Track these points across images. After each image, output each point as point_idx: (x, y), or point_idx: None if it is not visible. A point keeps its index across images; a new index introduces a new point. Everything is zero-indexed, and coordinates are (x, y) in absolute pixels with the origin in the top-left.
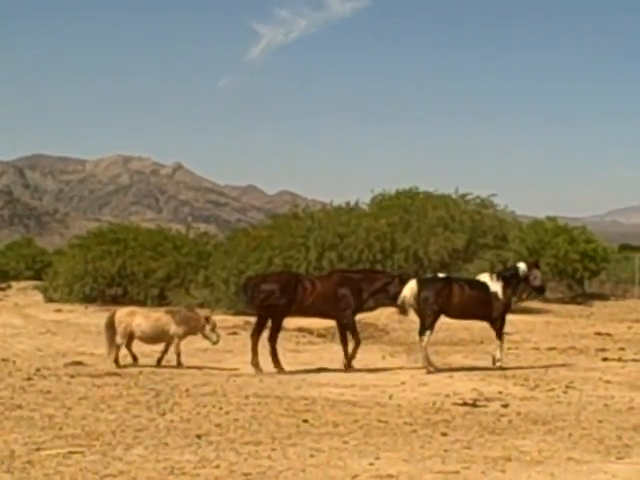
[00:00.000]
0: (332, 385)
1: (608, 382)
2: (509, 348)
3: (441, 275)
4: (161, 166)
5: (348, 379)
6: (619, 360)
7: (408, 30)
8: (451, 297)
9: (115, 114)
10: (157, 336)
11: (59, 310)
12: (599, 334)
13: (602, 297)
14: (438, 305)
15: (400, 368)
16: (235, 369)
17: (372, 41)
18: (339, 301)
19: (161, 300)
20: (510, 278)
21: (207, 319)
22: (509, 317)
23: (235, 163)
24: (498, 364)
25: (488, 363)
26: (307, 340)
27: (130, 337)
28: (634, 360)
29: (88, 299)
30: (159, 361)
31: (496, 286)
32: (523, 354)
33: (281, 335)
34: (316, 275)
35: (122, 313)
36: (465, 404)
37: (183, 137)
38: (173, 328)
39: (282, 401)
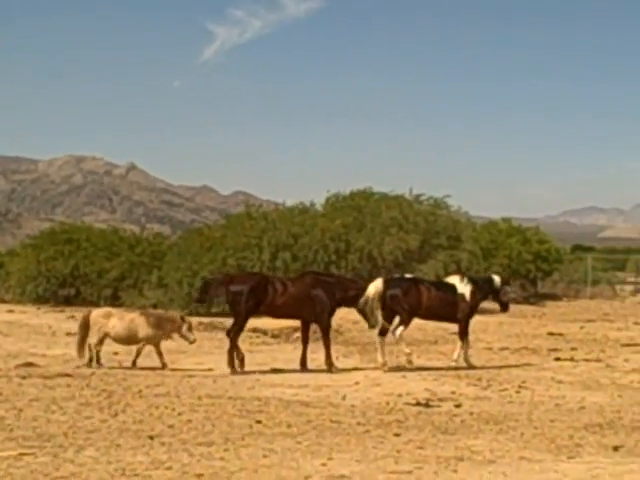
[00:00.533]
0: (286, 386)
1: (560, 382)
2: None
3: (408, 276)
4: (114, 166)
5: (302, 380)
6: (571, 360)
7: (363, 30)
8: (419, 297)
9: (68, 114)
10: (131, 338)
11: (11, 311)
12: (551, 334)
13: (555, 297)
14: (408, 303)
15: (354, 368)
16: (189, 370)
17: (327, 41)
18: (314, 303)
19: (114, 301)
20: (482, 284)
21: (183, 319)
22: None
23: (189, 163)
24: (453, 364)
25: (441, 363)
26: (261, 341)
27: (103, 338)
28: (586, 360)
29: (41, 300)
30: (134, 363)
31: (465, 288)
32: (476, 354)
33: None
34: (288, 277)
35: (98, 314)
36: (418, 404)
37: (137, 137)
38: (146, 330)
39: (235, 402)
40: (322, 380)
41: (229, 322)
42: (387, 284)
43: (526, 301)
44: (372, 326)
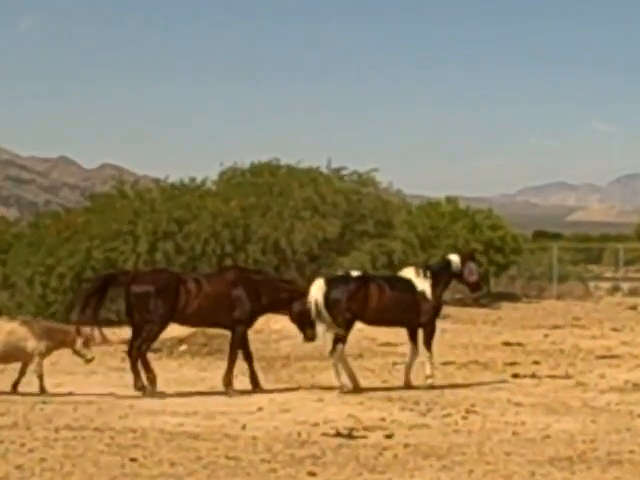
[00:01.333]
0: (168, 413)
1: (519, 404)
2: (395, 363)
3: (355, 273)
4: None
5: (189, 405)
6: (532, 377)
7: None
8: (367, 300)
9: None
10: (10, 353)
11: None
12: (508, 344)
13: (512, 298)
14: (351, 311)
15: (256, 390)
16: (44, 394)
17: None
18: (233, 305)
19: None
20: (440, 274)
21: (78, 331)
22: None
23: (43, 130)
24: (429, 381)
25: (367, 382)
26: None
27: None
28: (551, 377)
29: None
30: (15, 385)
31: (424, 284)
32: (413, 371)
33: (103, 350)
34: (203, 273)
35: None
36: (338, 435)
37: None
38: (32, 343)
39: (103, 434)
40: (215, 405)
41: (96, 332)
42: (330, 285)
43: (476, 303)
44: (310, 339)
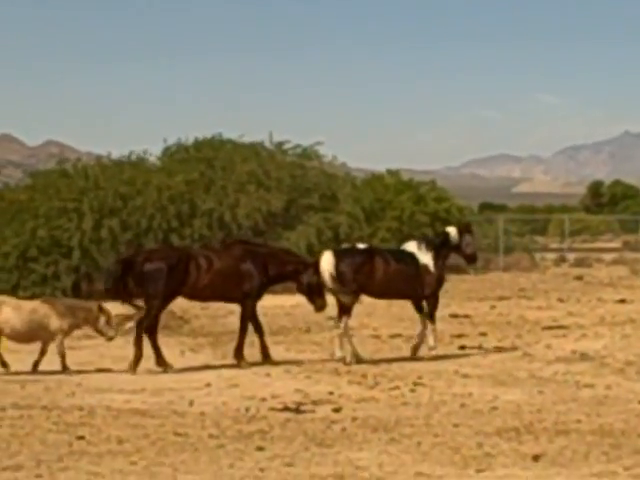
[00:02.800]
0: (115, 390)
1: (466, 376)
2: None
3: (361, 245)
4: None
5: (136, 382)
6: (479, 348)
7: None
8: (374, 272)
9: None
10: (33, 332)
11: None
12: (455, 316)
13: (458, 270)
14: (358, 283)
15: (204, 366)
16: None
17: None
18: (242, 280)
19: None
20: (441, 246)
21: (101, 309)
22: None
23: None
24: (433, 352)
25: (315, 356)
26: (83, 333)
27: None
28: (498, 348)
29: None
30: (35, 365)
31: (426, 257)
32: (360, 343)
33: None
34: (211, 247)
35: None
36: (286, 409)
37: None
38: (55, 322)
39: (50, 413)
40: (163, 382)
41: None
42: (337, 257)
43: None
44: (320, 309)
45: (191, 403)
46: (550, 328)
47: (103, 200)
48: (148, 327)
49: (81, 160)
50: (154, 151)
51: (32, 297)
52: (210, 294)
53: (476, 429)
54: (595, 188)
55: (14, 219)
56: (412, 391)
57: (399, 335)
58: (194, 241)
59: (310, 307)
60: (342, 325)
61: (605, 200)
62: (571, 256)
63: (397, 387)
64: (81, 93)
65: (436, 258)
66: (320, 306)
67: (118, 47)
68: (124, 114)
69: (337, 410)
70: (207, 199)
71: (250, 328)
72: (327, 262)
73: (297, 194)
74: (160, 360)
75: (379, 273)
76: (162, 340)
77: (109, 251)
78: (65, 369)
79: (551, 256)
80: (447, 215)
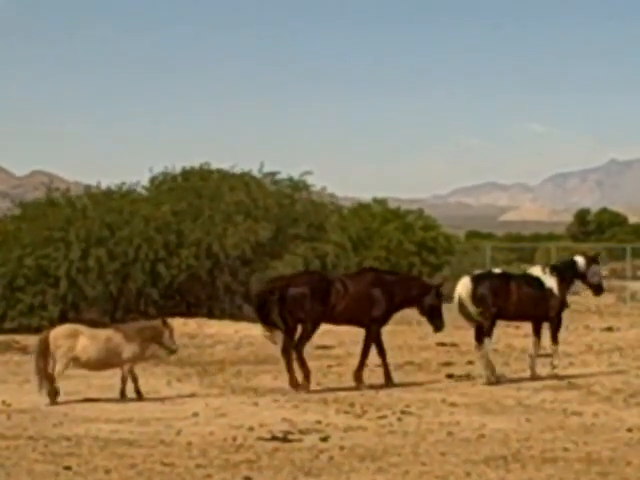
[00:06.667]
0: (102, 420)
1: (453, 405)
2: (329, 366)
3: (496, 270)
4: None
5: (123, 412)
6: (467, 377)
7: None
8: (509, 296)
9: None
10: (106, 360)
11: None
12: (442, 345)
13: (445, 298)
14: (497, 306)
15: (191, 395)
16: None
17: None
18: (372, 304)
19: None
20: (565, 272)
21: (165, 323)
22: (328, 327)
23: None
24: (555, 371)
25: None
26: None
27: (67, 364)
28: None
29: None
30: (123, 392)
31: (551, 281)
32: (347, 372)
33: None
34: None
35: (60, 334)
36: (274, 438)
37: None
38: (127, 349)
39: (37, 443)
40: (150, 412)
41: (29, 340)
42: (476, 282)
43: None
44: (439, 330)
45: (178, 433)
46: (537, 356)
47: (90, 230)
48: (288, 348)
49: (69, 190)
50: (141, 179)
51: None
52: (344, 318)
53: (463, 458)
54: (582, 216)
55: (1, 249)
56: (399, 420)
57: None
58: (181, 271)
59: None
60: (484, 347)
61: (592, 228)
62: None
63: (384, 416)
64: (68, 123)
65: (560, 282)
66: (439, 327)
67: (105, 74)
68: (112, 143)
69: (325, 439)
70: (195, 229)
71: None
72: (465, 287)
73: (285, 224)
74: (292, 379)
75: (514, 297)
76: (149, 369)
77: (96, 281)
78: (123, 396)
79: None
80: (434, 244)
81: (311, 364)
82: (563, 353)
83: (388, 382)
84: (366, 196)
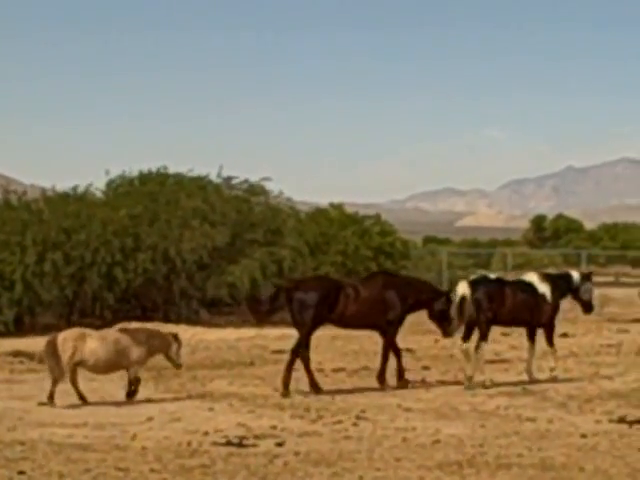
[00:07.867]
0: (57, 425)
1: (408, 410)
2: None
3: (492, 276)
4: None
5: (78, 416)
6: (422, 382)
7: None
8: (504, 300)
9: None
10: (114, 362)
11: None
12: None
13: None
14: (492, 311)
15: (146, 400)
16: None
17: None
18: (386, 308)
19: None
20: (559, 281)
21: (175, 337)
22: (285, 331)
23: None
24: (554, 374)
25: (258, 391)
26: (26, 367)
27: (76, 368)
28: (441, 382)
29: None
30: (130, 393)
31: (544, 287)
32: (303, 377)
33: None
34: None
35: (68, 336)
36: (229, 443)
37: None
38: (135, 352)
39: None
40: (105, 416)
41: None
42: (472, 287)
43: None
44: (448, 335)
45: (133, 437)
46: (493, 362)
47: (46, 233)
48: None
49: (26, 194)
50: (99, 184)
51: None
52: (357, 322)
53: (418, 463)
54: (538, 222)
55: None
56: (355, 425)
57: (342, 369)
58: (137, 276)
59: (254, 341)
60: (480, 351)
61: (548, 234)
62: None
63: (340, 421)
64: (27, 125)
65: (553, 289)
66: (448, 332)
67: (63, 76)
68: (70, 144)
69: (280, 444)
70: (151, 233)
71: None
72: (463, 290)
73: (242, 229)
74: (313, 383)
75: (509, 301)
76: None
77: (52, 284)
78: (134, 394)
79: None
80: (391, 249)
81: (267, 369)
82: (518, 359)
83: (401, 383)
84: (323, 201)
